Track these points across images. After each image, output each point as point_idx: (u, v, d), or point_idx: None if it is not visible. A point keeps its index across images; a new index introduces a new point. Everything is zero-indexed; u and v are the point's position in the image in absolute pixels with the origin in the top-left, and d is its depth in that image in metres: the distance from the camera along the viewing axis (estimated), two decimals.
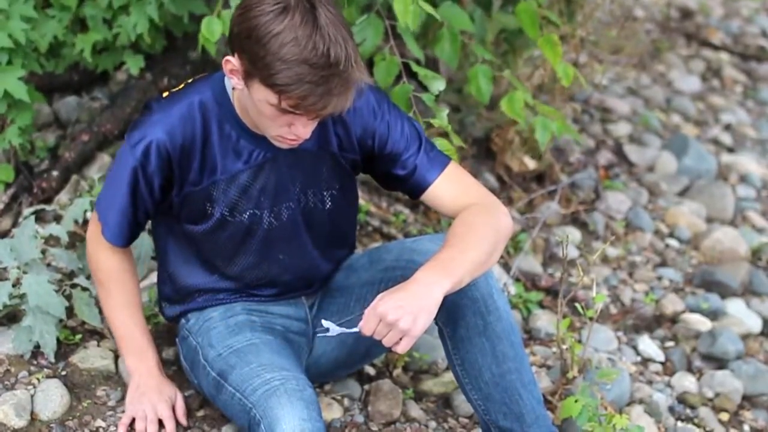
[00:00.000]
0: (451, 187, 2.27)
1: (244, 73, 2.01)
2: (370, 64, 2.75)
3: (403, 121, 2.27)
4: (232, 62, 2.02)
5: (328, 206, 2.32)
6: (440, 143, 2.48)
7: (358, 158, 2.29)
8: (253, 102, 2.03)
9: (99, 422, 2.40)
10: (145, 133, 2.16)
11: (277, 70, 1.92)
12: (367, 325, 2.03)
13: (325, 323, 2.20)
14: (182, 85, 2.24)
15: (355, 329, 2.11)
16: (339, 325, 2.39)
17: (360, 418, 2.58)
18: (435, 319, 2.13)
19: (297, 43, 1.91)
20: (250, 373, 2.19)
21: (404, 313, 1.98)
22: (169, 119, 2.16)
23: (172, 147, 2.16)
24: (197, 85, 2.22)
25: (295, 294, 2.46)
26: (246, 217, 2.26)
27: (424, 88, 2.66)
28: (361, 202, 3.17)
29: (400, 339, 2.01)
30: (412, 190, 2.30)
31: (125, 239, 2.31)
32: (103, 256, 2.35)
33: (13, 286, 2.52)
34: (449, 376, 2.71)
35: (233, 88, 2.15)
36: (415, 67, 2.64)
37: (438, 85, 2.65)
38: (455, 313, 2.24)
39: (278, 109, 1.99)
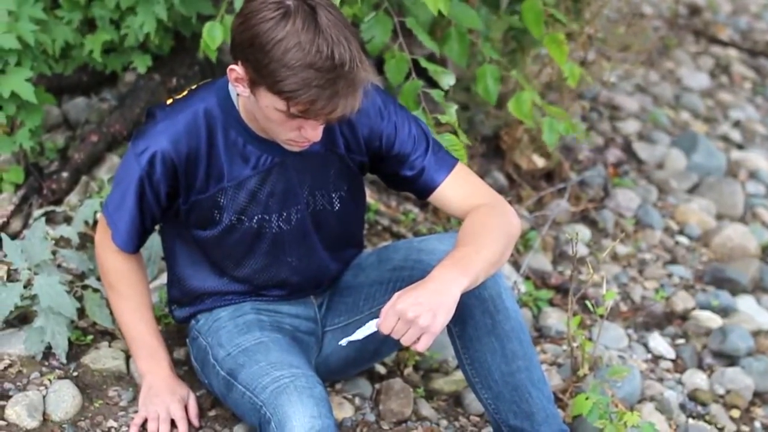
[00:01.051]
0: (459, 187, 2.27)
1: (250, 82, 2.00)
2: (380, 61, 2.75)
3: (410, 122, 2.27)
4: (236, 71, 2.01)
5: (336, 207, 2.33)
6: (449, 140, 2.48)
7: (366, 159, 2.29)
8: (261, 109, 2.03)
9: (111, 422, 2.40)
10: (150, 142, 2.16)
11: (282, 76, 1.92)
12: (385, 323, 2.03)
13: (342, 342, 2.19)
14: (186, 92, 2.24)
15: (369, 330, 2.10)
16: (346, 325, 2.40)
17: (371, 417, 2.58)
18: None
19: (300, 48, 1.90)
20: (259, 371, 2.19)
21: (423, 310, 1.98)
22: (173, 128, 2.16)
23: (177, 157, 2.16)
24: (201, 92, 2.21)
25: (304, 294, 2.46)
26: (255, 222, 2.26)
27: (433, 86, 2.66)
28: (371, 201, 3.18)
29: (419, 337, 2.01)
30: (419, 191, 2.30)
31: (135, 245, 2.32)
32: (113, 260, 2.36)
33: (25, 287, 2.53)
34: (460, 374, 2.71)
35: (238, 95, 2.14)
36: (424, 63, 2.64)
37: (448, 80, 2.65)
38: (464, 313, 2.23)
39: (287, 115, 1.98)
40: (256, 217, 2.26)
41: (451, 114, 2.58)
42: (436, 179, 2.27)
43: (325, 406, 2.10)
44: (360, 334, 2.11)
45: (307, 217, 2.30)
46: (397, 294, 2.04)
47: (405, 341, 2.02)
